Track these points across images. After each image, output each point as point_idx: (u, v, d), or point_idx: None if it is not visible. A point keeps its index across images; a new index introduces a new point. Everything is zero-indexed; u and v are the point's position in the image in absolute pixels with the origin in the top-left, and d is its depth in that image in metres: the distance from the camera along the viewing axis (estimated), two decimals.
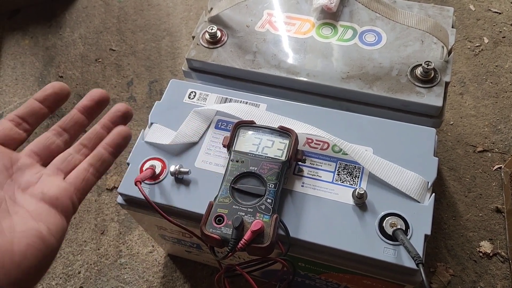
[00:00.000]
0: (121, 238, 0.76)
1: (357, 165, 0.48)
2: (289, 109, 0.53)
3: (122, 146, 0.32)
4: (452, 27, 0.61)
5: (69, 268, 0.74)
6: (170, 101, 0.56)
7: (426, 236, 0.44)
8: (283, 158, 0.45)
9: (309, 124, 0.50)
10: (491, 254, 0.69)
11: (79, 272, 0.73)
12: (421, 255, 0.41)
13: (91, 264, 0.74)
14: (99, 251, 0.75)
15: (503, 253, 0.69)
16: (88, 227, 0.78)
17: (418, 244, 0.43)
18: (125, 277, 0.72)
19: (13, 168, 0.29)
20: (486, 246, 0.70)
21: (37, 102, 0.31)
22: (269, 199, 0.42)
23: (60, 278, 0.73)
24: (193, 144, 0.52)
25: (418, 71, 0.55)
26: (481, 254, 0.69)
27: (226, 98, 0.55)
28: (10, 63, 1.03)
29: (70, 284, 0.72)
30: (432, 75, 0.55)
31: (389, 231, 0.44)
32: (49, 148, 0.31)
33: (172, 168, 0.48)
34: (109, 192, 0.82)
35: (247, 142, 0.47)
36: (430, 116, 0.55)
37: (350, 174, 0.48)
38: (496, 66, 0.90)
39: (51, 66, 1.01)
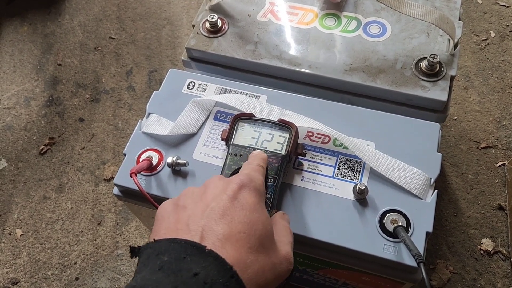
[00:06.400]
0: (118, 229, 0.75)
1: (358, 160, 0.47)
2: (290, 101, 0.52)
3: None
4: (459, 20, 0.59)
5: (65, 258, 0.73)
6: (169, 91, 0.55)
7: (427, 233, 0.43)
8: (282, 152, 0.44)
9: (310, 117, 0.49)
10: (492, 252, 0.68)
11: (75, 263, 0.73)
12: (422, 254, 0.40)
13: (87, 255, 0.73)
14: (96, 242, 0.74)
15: (504, 251, 0.68)
16: (84, 217, 0.77)
17: (419, 241, 0.42)
18: (122, 269, 0.72)
19: None
20: (487, 244, 0.69)
21: None
22: (268, 194, 0.41)
23: (56, 268, 0.73)
24: (191, 136, 0.50)
25: (423, 64, 0.54)
26: (482, 252, 0.69)
27: (226, 89, 0.54)
28: (8, 50, 1.02)
29: (66, 275, 0.72)
30: (438, 68, 0.54)
31: (390, 228, 0.43)
32: None
33: (169, 160, 0.47)
34: (107, 182, 0.81)
35: (246, 135, 0.46)
36: (435, 111, 0.54)
37: (351, 169, 0.47)
38: (502, 60, 0.88)
39: (49, 54, 1.00)
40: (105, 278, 0.71)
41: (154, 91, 0.55)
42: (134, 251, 0.29)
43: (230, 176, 0.43)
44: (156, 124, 0.52)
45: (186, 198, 0.33)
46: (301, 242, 0.45)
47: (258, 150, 0.42)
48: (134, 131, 0.52)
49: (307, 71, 0.56)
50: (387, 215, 0.43)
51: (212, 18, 0.59)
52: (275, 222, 0.36)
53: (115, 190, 0.50)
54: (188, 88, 0.55)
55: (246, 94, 0.53)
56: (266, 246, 0.31)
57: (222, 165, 0.44)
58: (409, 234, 0.42)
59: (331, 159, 0.47)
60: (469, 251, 0.69)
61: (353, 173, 0.47)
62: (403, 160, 0.46)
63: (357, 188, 0.44)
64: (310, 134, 0.49)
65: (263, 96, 0.53)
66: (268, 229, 0.32)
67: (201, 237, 0.29)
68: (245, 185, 0.33)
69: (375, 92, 0.54)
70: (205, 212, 0.30)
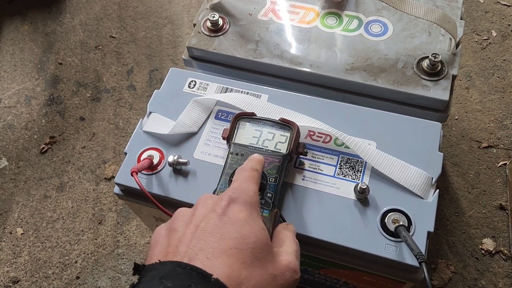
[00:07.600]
0: (119, 228, 0.75)
1: (359, 159, 0.47)
2: (291, 101, 0.52)
3: None
4: (461, 19, 0.59)
5: (66, 257, 0.73)
6: (170, 90, 0.55)
7: (429, 233, 0.43)
8: (284, 151, 0.44)
9: (311, 116, 0.49)
10: (493, 252, 0.68)
11: (76, 262, 0.73)
12: (423, 253, 0.40)
13: (88, 254, 0.73)
14: (96, 241, 0.74)
15: (505, 251, 0.68)
16: (85, 216, 0.77)
17: (420, 241, 0.42)
18: (122, 268, 0.72)
19: None
20: (488, 244, 0.69)
21: None
22: (269, 193, 0.41)
23: (57, 267, 0.73)
24: (192, 135, 0.50)
25: (425, 63, 0.54)
26: (483, 252, 0.69)
27: (227, 88, 0.54)
28: (9, 48, 1.02)
29: (66, 274, 0.72)
30: (439, 68, 0.53)
31: (391, 227, 0.43)
32: None
33: (170, 159, 0.47)
34: (107, 181, 0.81)
35: (247, 134, 0.46)
36: (436, 110, 0.54)
37: (353, 168, 0.47)
38: (504, 60, 0.88)
39: (50, 53, 1.00)
40: (106, 277, 0.71)
41: (155, 90, 0.55)
42: (138, 269, 0.28)
43: (231, 176, 0.43)
44: (157, 123, 0.52)
45: (178, 221, 0.33)
46: (302, 241, 0.44)
47: (255, 154, 0.41)
48: (135, 130, 0.52)
49: (308, 70, 0.56)
50: (389, 214, 0.43)
51: (213, 17, 0.59)
52: (276, 233, 0.36)
53: (116, 189, 0.50)
54: (189, 87, 0.55)
55: (247, 93, 0.53)
56: (262, 258, 0.30)
57: (223, 164, 0.44)
58: (410, 234, 0.42)
59: (332, 159, 0.47)
60: (470, 251, 0.69)
61: (354, 172, 0.46)
62: (404, 160, 0.46)
63: (358, 187, 0.44)
64: (311, 133, 0.49)
65: (264, 95, 0.53)
66: (262, 240, 0.31)
67: (189, 258, 0.28)
68: (235, 199, 0.32)
69: (376, 91, 0.54)
70: (195, 233, 0.30)
